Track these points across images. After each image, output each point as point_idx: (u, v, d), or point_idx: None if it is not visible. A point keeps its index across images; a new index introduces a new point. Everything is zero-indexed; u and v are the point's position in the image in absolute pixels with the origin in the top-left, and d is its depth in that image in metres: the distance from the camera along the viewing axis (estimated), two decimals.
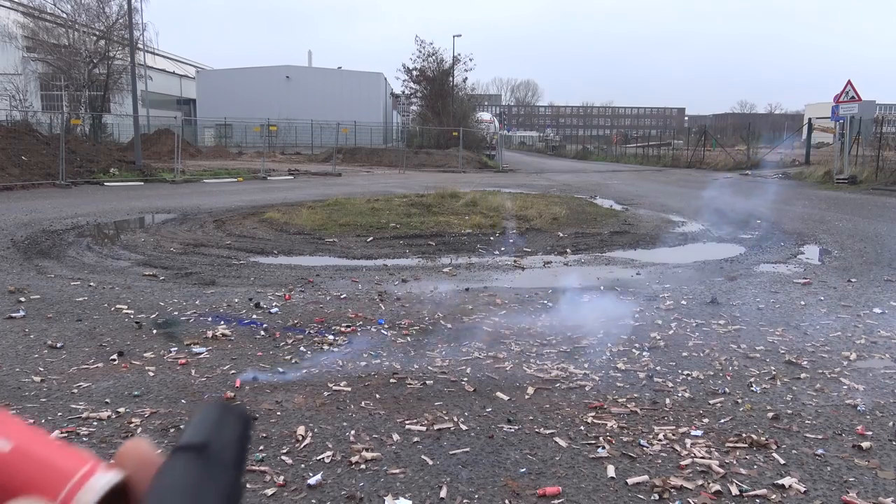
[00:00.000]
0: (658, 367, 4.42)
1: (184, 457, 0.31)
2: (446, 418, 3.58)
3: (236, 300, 6.06)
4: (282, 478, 2.98)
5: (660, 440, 3.37)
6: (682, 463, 3.13)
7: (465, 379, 4.17)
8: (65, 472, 0.32)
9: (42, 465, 0.31)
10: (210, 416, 0.33)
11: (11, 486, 0.30)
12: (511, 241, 9.82)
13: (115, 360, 4.46)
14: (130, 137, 27.22)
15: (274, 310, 5.75)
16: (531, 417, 3.61)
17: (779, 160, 30.96)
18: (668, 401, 3.88)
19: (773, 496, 2.85)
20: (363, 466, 3.06)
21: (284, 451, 3.23)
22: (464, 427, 3.48)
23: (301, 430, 3.44)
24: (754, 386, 4.11)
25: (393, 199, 14.39)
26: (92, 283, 6.65)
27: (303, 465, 3.08)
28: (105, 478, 0.32)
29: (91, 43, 30.66)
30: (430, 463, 3.10)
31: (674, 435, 3.43)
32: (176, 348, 4.70)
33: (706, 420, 3.62)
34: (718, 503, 2.81)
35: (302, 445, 3.28)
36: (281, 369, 4.32)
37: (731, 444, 3.32)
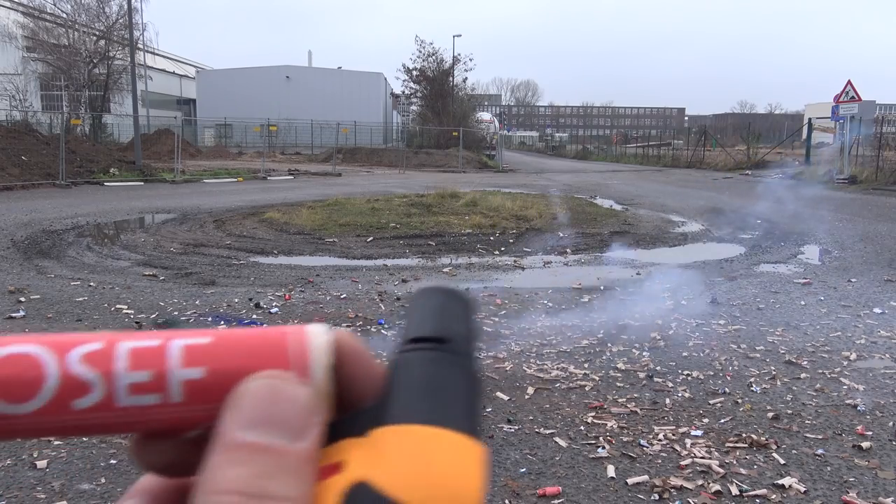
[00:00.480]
0: (658, 367, 4.42)
1: (424, 348, 0.28)
2: None
3: (236, 300, 6.06)
4: None
5: (660, 440, 3.37)
6: (682, 463, 3.13)
7: None
8: (279, 339, 0.28)
9: (255, 339, 0.27)
10: (436, 303, 0.30)
11: (231, 369, 0.26)
12: (511, 241, 9.82)
13: None
14: (130, 137, 27.22)
15: (274, 310, 5.75)
16: (531, 417, 3.61)
17: (779, 160, 30.96)
18: (668, 401, 3.88)
19: (773, 496, 2.85)
20: None
21: None
22: None
23: None
24: (754, 386, 4.11)
25: (393, 199, 14.39)
26: (92, 283, 6.65)
27: None
28: (319, 331, 0.28)
29: (91, 43, 30.69)
30: None
31: (674, 435, 3.43)
32: None
33: (706, 420, 3.62)
34: (718, 503, 2.81)
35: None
36: None
37: (731, 444, 3.32)
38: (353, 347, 0.29)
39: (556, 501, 2.80)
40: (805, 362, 4.54)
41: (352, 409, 0.28)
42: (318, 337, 0.28)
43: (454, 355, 0.28)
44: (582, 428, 3.49)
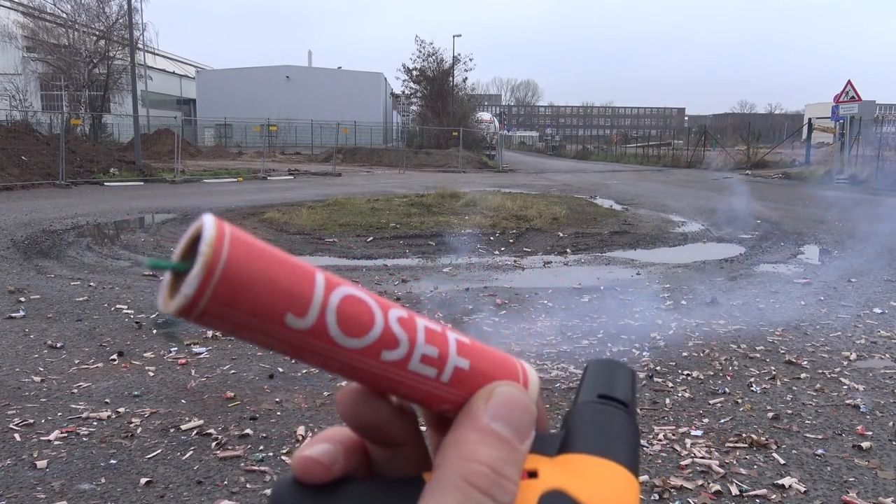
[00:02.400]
0: (658, 367, 4.42)
1: (616, 408, 0.36)
2: None
3: None
4: None
5: (660, 440, 3.37)
6: (682, 463, 3.13)
7: None
8: (511, 361, 0.35)
9: (497, 354, 0.34)
10: (618, 374, 0.38)
11: (485, 371, 0.33)
12: (511, 241, 9.81)
13: (115, 360, 4.46)
14: (130, 137, 27.21)
15: None
16: None
17: (779, 160, 30.96)
18: (668, 401, 3.88)
19: (773, 496, 2.85)
20: None
21: (284, 451, 3.23)
22: None
23: (301, 430, 3.44)
24: (754, 386, 4.11)
25: (393, 199, 14.39)
26: (92, 283, 6.65)
27: None
28: (534, 373, 0.36)
29: (91, 43, 30.70)
30: None
31: (674, 435, 3.43)
32: (176, 348, 4.70)
33: (706, 420, 3.62)
34: (718, 503, 2.81)
35: (302, 445, 3.28)
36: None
37: (731, 444, 3.32)
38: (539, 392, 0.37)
39: None
40: (805, 362, 4.54)
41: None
42: (534, 374, 0.36)
43: (630, 416, 0.36)
44: None
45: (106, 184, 18.65)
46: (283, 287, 0.27)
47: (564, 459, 0.33)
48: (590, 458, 0.32)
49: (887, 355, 4.73)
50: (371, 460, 0.35)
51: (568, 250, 9.17)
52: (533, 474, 0.32)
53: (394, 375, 0.30)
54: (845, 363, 4.54)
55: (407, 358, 0.30)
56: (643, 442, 3.33)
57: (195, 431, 3.42)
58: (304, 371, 4.31)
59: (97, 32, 30.74)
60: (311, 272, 0.29)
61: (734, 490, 2.88)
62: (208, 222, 0.27)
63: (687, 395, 3.97)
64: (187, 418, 3.56)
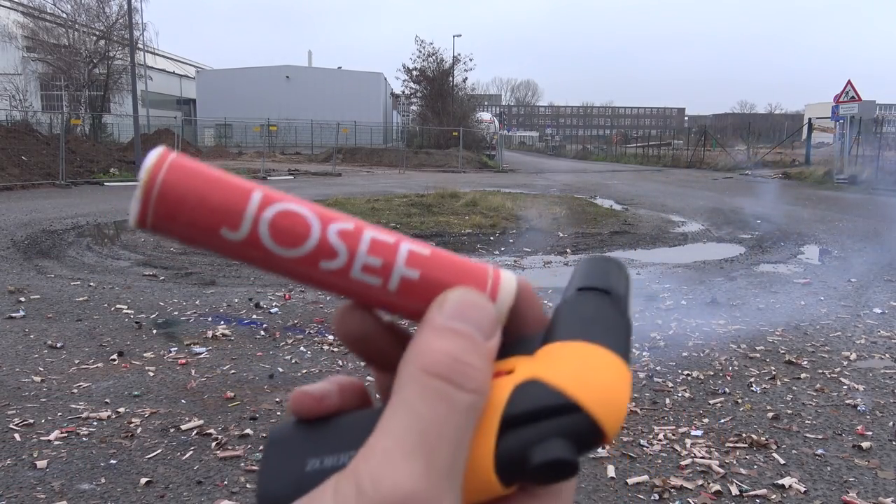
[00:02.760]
0: (658, 367, 4.42)
1: (595, 294, 0.34)
2: None
3: (236, 300, 6.06)
4: None
5: (660, 440, 3.37)
6: (682, 463, 3.13)
7: None
8: (480, 270, 0.34)
9: (462, 263, 0.34)
10: (601, 266, 0.36)
11: (439, 280, 0.32)
12: (511, 241, 9.82)
13: (115, 360, 4.46)
14: (130, 137, 27.19)
15: (274, 310, 5.75)
16: None
17: (779, 160, 30.96)
18: (668, 401, 3.88)
19: (773, 496, 2.85)
20: None
21: None
22: None
23: None
24: (754, 386, 4.11)
25: (393, 199, 14.39)
26: (92, 283, 6.65)
27: None
28: (510, 275, 0.35)
29: (91, 43, 30.69)
30: None
31: (674, 435, 3.43)
32: (176, 348, 4.70)
33: (706, 420, 3.62)
34: (718, 503, 2.81)
35: None
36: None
37: (731, 444, 3.32)
38: (529, 294, 0.35)
39: None
40: (805, 362, 4.54)
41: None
42: (508, 282, 0.34)
43: (614, 301, 0.34)
44: None
45: (106, 184, 18.65)
46: (216, 204, 0.30)
47: (542, 352, 0.32)
48: (566, 344, 0.31)
49: (887, 355, 4.73)
50: (370, 399, 0.36)
51: (568, 250, 9.17)
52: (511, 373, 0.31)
53: (337, 283, 0.32)
54: (845, 363, 4.54)
55: (347, 268, 0.32)
56: (643, 442, 3.33)
57: (195, 431, 3.42)
58: (304, 371, 4.31)
59: (97, 32, 30.74)
60: (248, 190, 0.31)
61: (734, 490, 2.88)
62: (152, 153, 0.31)
63: (687, 395, 3.97)
64: (187, 418, 3.56)
